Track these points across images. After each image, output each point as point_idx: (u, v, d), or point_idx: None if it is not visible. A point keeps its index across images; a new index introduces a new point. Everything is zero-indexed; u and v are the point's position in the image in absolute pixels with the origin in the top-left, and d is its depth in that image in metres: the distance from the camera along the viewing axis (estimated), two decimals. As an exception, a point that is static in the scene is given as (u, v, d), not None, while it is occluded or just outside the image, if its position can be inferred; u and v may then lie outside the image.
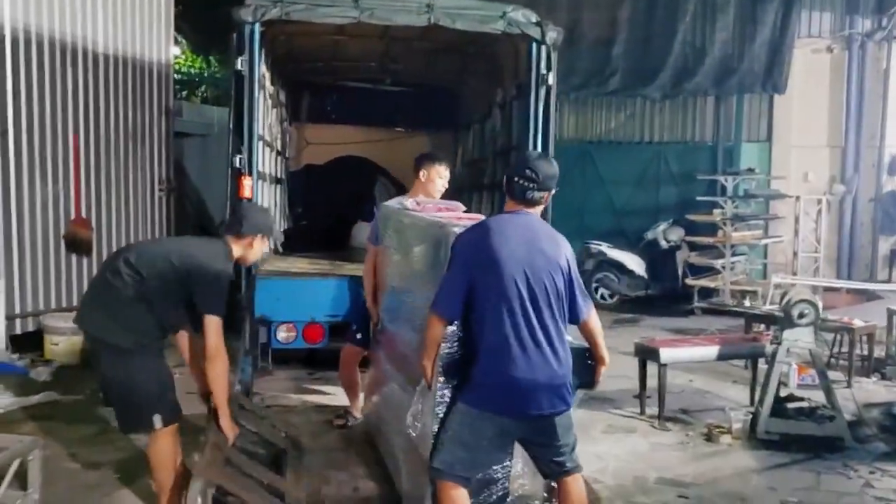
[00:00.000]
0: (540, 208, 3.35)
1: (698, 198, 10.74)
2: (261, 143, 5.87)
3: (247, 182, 5.21)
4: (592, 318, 3.41)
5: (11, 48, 6.55)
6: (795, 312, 5.24)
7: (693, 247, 11.05)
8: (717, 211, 10.47)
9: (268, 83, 6.49)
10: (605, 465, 4.89)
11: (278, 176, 7.81)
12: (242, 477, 3.66)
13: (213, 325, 3.61)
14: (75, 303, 7.19)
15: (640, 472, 4.81)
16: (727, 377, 7.01)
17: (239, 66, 5.35)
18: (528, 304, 3.13)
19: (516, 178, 3.26)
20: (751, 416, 5.50)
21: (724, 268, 10.42)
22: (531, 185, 3.24)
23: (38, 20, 6.81)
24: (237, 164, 5.38)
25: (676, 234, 11.07)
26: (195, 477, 3.26)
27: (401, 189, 9.06)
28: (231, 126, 5.47)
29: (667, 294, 11.08)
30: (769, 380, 5.43)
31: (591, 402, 6.34)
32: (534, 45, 5.72)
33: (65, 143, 7.18)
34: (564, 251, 3.32)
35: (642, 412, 5.96)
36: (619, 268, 11.08)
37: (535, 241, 3.23)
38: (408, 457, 3.86)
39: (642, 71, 11.33)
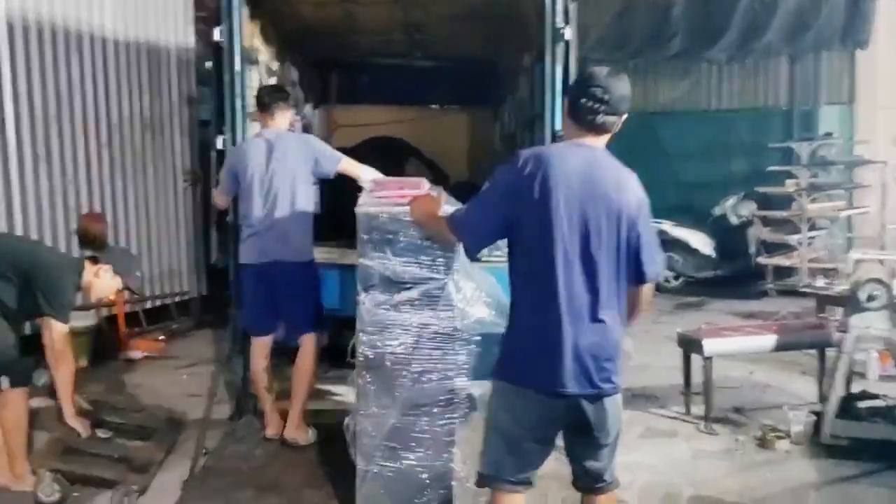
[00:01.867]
0: (606, 138, 2.72)
1: (769, 168, 9.72)
2: (255, 124, 5.36)
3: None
4: (648, 288, 2.80)
5: (8, 34, 6.24)
6: (864, 294, 4.41)
7: (766, 222, 10.07)
8: (790, 182, 9.44)
9: (267, 59, 5.99)
10: (633, 479, 4.19)
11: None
12: (86, 457, 4.05)
13: (58, 331, 3.97)
14: (82, 301, 6.93)
15: (674, 487, 4.11)
16: (795, 368, 6.16)
17: (217, 37, 4.87)
18: (578, 255, 2.56)
19: (582, 100, 2.62)
20: (814, 416, 4.70)
21: (800, 244, 9.42)
22: (600, 107, 2.61)
23: (37, 4, 6.48)
24: (220, 146, 4.89)
25: (747, 209, 10.12)
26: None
27: (434, 169, 8.49)
28: (213, 104, 4.98)
29: (738, 274, 10.14)
30: (836, 373, 4.62)
31: (631, 399, 5.62)
32: (546, -3, 5.01)
33: (73, 135, 6.86)
34: (636, 195, 2.71)
35: (687, 412, 5.23)
36: (684, 247, 10.20)
37: (600, 180, 2.61)
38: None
39: (705, 31, 10.37)
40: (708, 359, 4.93)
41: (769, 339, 5.03)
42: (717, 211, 10.35)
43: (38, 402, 5.46)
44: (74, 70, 6.88)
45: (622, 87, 2.65)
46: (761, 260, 9.73)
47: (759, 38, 10.25)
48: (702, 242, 10.17)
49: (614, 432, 2.77)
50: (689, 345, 5.10)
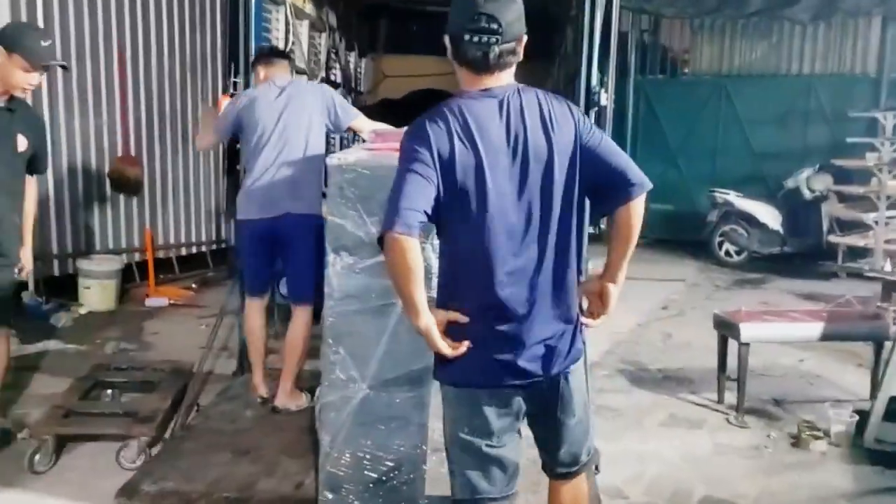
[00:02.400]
0: (511, 72, 2.17)
1: (849, 139, 8.96)
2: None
3: (225, 102, 4.42)
4: (638, 203, 2.21)
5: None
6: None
7: (842, 198, 9.34)
8: (871, 155, 8.67)
9: (298, 0, 5.69)
10: (641, 472, 3.85)
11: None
12: (88, 418, 3.93)
13: None
14: (113, 245, 6.90)
15: (685, 485, 3.73)
16: (852, 359, 5.62)
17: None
18: (519, 221, 2.12)
19: (466, 37, 2.07)
20: (858, 416, 4.22)
21: (876, 223, 8.67)
22: (492, 39, 2.06)
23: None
24: (232, 90, 4.63)
25: (822, 183, 9.37)
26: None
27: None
28: (227, 45, 4.72)
29: (807, 252, 9.46)
30: (887, 370, 4.13)
31: (661, 382, 5.27)
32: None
33: (108, 73, 6.74)
34: (569, 123, 2.15)
35: (720, 400, 4.81)
36: (749, 220, 9.58)
37: (527, 126, 2.10)
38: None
39: (787, -13, 9.55)
40: (744, 344, 4.48)
41: (814, 328, 4.54)
42: (789, 183, 9.63)
43: (54, 345, 5.48)
44: (111, 4, 6.73)
45: (509, 6, 2.09)
46: (833, 238, 9.02)
47: (846, -4, 9.39)
48: (769, 216, 9.52)
49: (581, 407, 2.33)
50: (726, 328, 4.66)
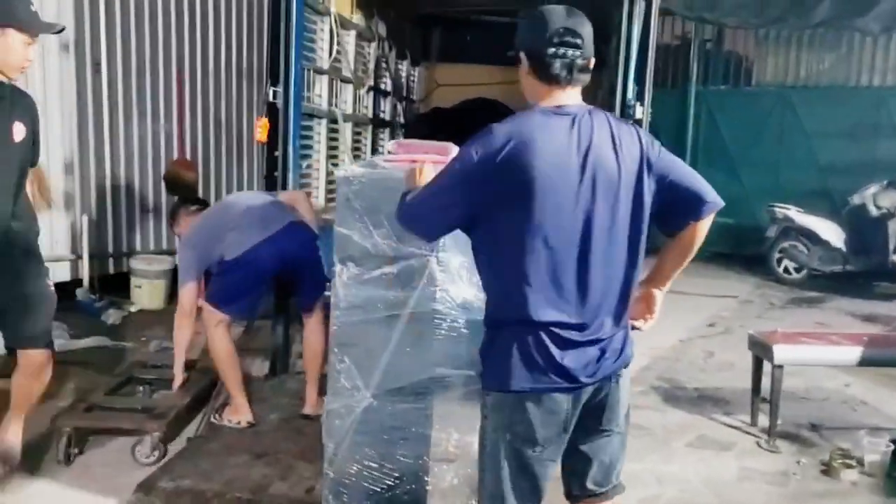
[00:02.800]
0: (580, 91, 2.19)
1: (918, 155, 8.62)
2: (323, 78, 5.21)
3: (260, 123, 4.54)
4: (705, 224, 2.27)
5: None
6: (963, 314, 3.71)
7: (910, 215, 8.98)
8: (940, 172, 8.33)
9: (345, 10, 5.79)
10: (658, 494, 3.78)
11: (385, 119, 7.15)
12: (108, 412, 4.04)
13: None
14: (167, 246, 7.13)
15: (701, 509, 3.66)
16: (902, 386, 5.41)
17: (276, -11, 4.71)
18: (583, 238, 2.11)
19: (550, 50, 2.10)
20: (894, 445, 4.06)
21: (945, 243, 8.32)
22: (573, 53, 2.11)
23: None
24: (272, 98, 4.76)
25: (890, 200, 9.03)
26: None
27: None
28: (269, 54, 4.84)
29: (871, 271, 9.13)
30: (926, 401, 3.97)
31: (696, 401, 5.16)
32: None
33: (167, 80, 7.01)
34: (636, 143, 2.17)
35: (753, 423, 4.68)
36: (810, 236, 9.29)
37: (597, 145, 2.10)
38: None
39: (857, -2, 9.23)
40: (778, 367, 4.36)
41: (853, 352, 4.37)
42: (855, 199, 9.29)
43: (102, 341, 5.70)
44: (171, 17, 6.99)
45: (586, 23, 2.16)
46: (898, 257, 8.69)
47: (923, 5, 9.01)
48: (831, 232, 9.22)
49: (624, 419, 2.34)
50: (760, 349, 4.54)
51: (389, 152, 3.65)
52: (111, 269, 6.75)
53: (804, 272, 9.36)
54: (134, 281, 6.56)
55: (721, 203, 2.22)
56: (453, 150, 3.41)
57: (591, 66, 2.19)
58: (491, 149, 2.08)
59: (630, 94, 4.59)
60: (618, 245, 2.16)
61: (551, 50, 2.11)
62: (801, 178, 10.32)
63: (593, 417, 2.25)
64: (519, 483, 2.22)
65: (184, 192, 7.20)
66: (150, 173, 6.96)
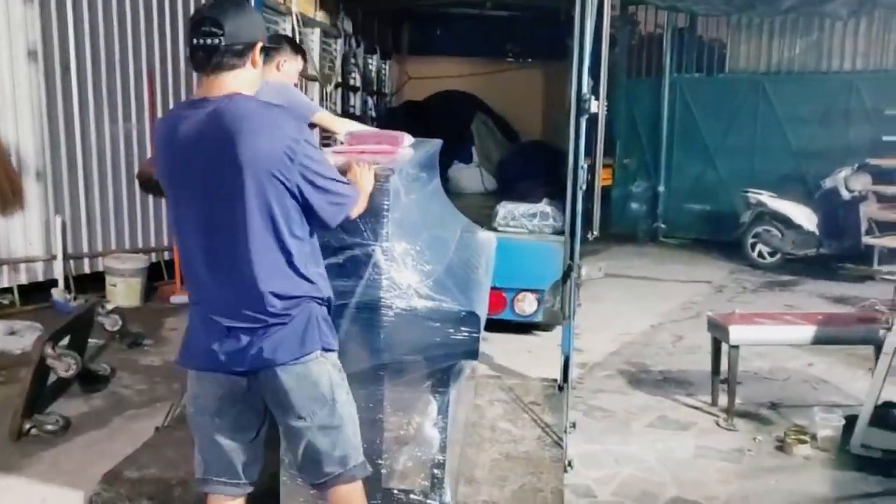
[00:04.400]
0: (235, 77, 2.16)
1: (885, 138, 8.71)
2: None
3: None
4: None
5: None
6: (906, 289, 3.82)
7: (881, 198, 9.09)
8: (906, 154, 8.45)
9: (308, 9, 5.85)
10: (615, 472, 3.89)
11: (356, 114, 7.22)
12: None
13: None
14: (142, 244, 7.19)
15: (656, 486, 3.76)
16: (863, 364, 5.49)
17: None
18: (199, 227, 2.21)
19: (193, 40, 2.15)
20: (845, 421, 4.17)
21: (914, 224, 8.44)
22: (211, 41, 2.10)
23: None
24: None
25: (861, 183, 9.09)
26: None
27: (503, 125, 8.16)
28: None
29: (844, 254, 9.21)
30: (875, 375, 4.07)
31: (661, 383, 5.26)
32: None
33: (138, 79, 7.05)
34: (270, 141, 2.11)
35: (713, 403, 4.79)
36: (784, 221, 9.38)
37: (213, 138, 2.10)
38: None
39: (826, -18, 9.31)
40: (734, 347, 4.46)
41: (806, 331, 4.47)
42: (827, 183, 9.37)
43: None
44: (140, 17, 7.03)
45: (236, 12, 2.15)
46: (870, 240, 8.80)
47: (887, -10, 9.11)
48: (804, 217, 9.31)
49: (312, 410, 2.31)
50: (717, 331, 4.64)
51: (341, 143, 3.73)
52: (87, 269, 6.80)
53: (778, 256, 9.46)
54: (109, 279, 6.62)
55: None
56: (406, 138, 3.50)
57: (245, 50, 2.16)
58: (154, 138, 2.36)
59: (585, 88, 4.64)
60: (238, 240, 2.17)
61: (191, 39, 2.16)
62: (775, 163, 10.40)
63: (273, 407, 2.35)
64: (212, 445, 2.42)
65: (157, 190, 7.27)
66: (123, 172, 7.01)
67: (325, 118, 4.28)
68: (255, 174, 2.11)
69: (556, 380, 4.84)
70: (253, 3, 4.71)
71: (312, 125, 4.24)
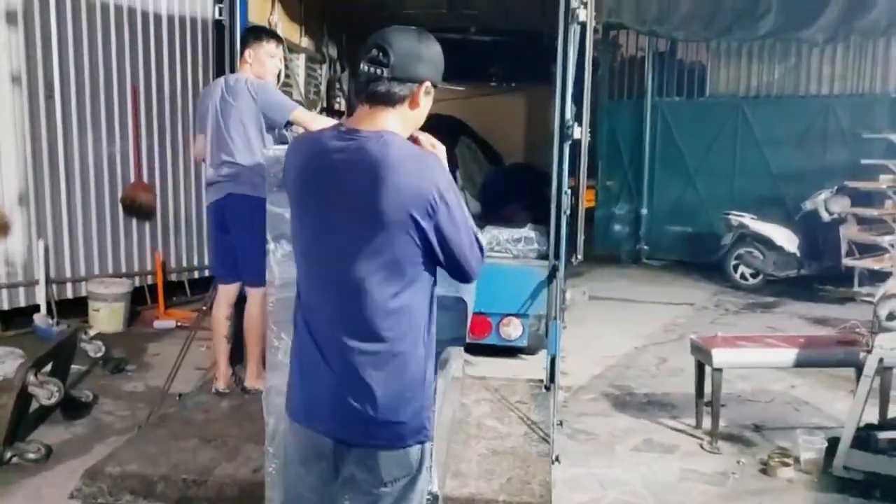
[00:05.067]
0: (394, 113, 1.99)
1: (863, 161, 8.85)
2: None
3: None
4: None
5: (57, 7, 6.46)
6: (884, 311, 3.88)
7: (860, 220, 9.21)
8: (884, 177, 8.57)
9: (293, 36, 5.89)
10: (600, 496, 3.89)
11: (338, 109, 7.25)
12: None
13: None
14: (125, 268, 7.16)
15: (640, 510, 3.77)
16: (845, 386, 5.54)
17: (218, 15, 4.80)
18: (314, 270, 2.06)
19: (362, 65, 1.99)
20: (828, 443, 4.21)
21: (892, 246, 8.54)
22: (377, 71, 1.95)
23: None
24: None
25: (840, 205, 9.23)
26: None
27: (487, 149, 8.21)
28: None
29: (825, 275, 9.34)
30: (856, 397, 4.11)
31: (645, 406, 5.28)
32: (559, -30, 4.64)
33: (121, 103, 7.05)
34: (414, 188, 1.91)
35: (697, 426, 4.81)
36: (765, 242, 9.49)
37: (355, 172, 1.93)
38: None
39: (801, 9, 9.48)
40: (717, 370, 4.50)
41: (788, 354, 4.52)
42: (807, 205, 9.51)
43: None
44: (125, 40, 7.04)
45: (411, 43, 1.99)
46: (848, 262, 8.90)
47: (862, 16, 9.29)
48: (785, 238, 9.42)
49: (395, 478, 2.07)
50: (700, 354, 4.68)
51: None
52: (70, 293, 6.76)
53: (760, 278, 9.56)
54: (92, 304, 6.57)
55: None
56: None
57: (409, 87, 2.00)
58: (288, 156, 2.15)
59: (568, 114, 4.72)
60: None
61: (360, 61, 2.02)
62: (755, 185, 10.53)
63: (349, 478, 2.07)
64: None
65: (140, 214, 7.28)
66: (106, 195, 6.98)
67: (303, 116, 4.35)
68: (390, 224, 1.92)
69: (542, 380, 4.87)
70: (238, 31, 4.78)
71: (290, 123, 4.28)
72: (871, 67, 10.13)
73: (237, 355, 4.84)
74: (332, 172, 1.98)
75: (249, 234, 4.19)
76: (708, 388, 4.68)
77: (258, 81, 4.35)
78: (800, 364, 4.56)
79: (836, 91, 10.30)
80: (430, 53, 2.04)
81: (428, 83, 2.03)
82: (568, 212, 4.80)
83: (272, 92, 4.37)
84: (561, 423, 4.15)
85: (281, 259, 3.07)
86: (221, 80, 4.48)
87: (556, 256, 4.81)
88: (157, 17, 7.33)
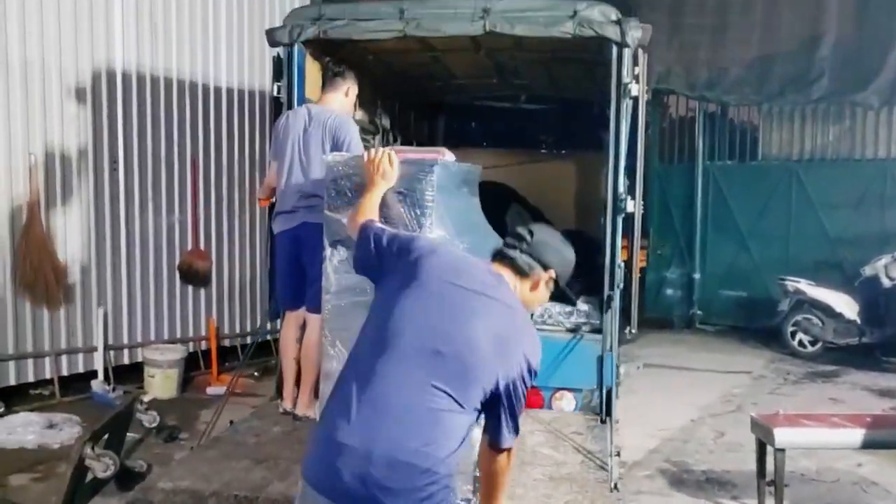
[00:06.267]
0: (523, 284, 2.37)
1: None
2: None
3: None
4: (504, 457, 2.38)
5: (123, 85, 6.75)
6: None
7: (923, 286, 8.94)
8: (947, 243, 8.34)
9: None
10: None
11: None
12: None
13: None
14: (180, 334, 7.28)
15: None
16: (919, 464, 5.33)
17: (276, 93, 4.94)
18: (393, 355, 2.16)
19: (504, 240, 2.47)
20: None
21: (958, 314, 8.26)
22: (516, 245, 2.40)
23: (154, 59, 6.98)
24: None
25: (901, 271, 9.01)
26: None
27: (538, 216, 8.22)
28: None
29: (888, 343, 9.04)
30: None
31: (703, 485, 5.13)
32: (613, 47, 4.68)
33: (181, 173, 7.27)
34: (519, 359, 2.22)
35: (759, 507, 4.63)
36: (824, 309, 9.25)
37: (479, 314, 2.21)
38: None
39: (855, 73, 9.42)
40: (780, 450, 4.35)
41: (855, 435, 4.35)
42: (867, 271, 9.28)
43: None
44: (187, 114, 7.31)
45: (555, 240, 2.46)
46: (911, 329, 8.62)
47: (919, 79, 9.18)
48: (844, 305, 9.18)
49: None
50: (762, 432, 4.52)
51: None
52: (126, 359, 6.89)
53: (819, 345, 9.29)
54: (147, 371, 6.68)
55: None
56: (447, 152, 3.52)
57: (537, 268, 2.38)
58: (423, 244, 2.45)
59: (621, 188, 4.71)
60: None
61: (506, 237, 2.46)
62: (811, 249, 10.32)
63: None
64: None
65: (196, 281, 7.42)
66: (164, 262, 7.15)
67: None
68: (495, 376, 2.17)
69: (598, 414, 4.78)
70: (295, 103, 4.90)
71: None
72: (929, 130, 9.95)
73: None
74: (468, 300, 2.23)
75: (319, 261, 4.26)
76: (770, 467, 4.53)
77: (342, 115, 4.47)
78: (867, 446, 4.38)
79: (894, 154, 10.11)
80: (566, 255, 2.48)
81: (552, 274, 2.40)
82: (621, 285, 4.76)
83: (352, 130, 4.45)
84: (619, 454, 4.08)
85: (337, 265, 3.09)
86: (304, 109, 4.54)
87: (610, 331, 4.76)
88: (218, 91, 7.59)
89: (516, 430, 2.30)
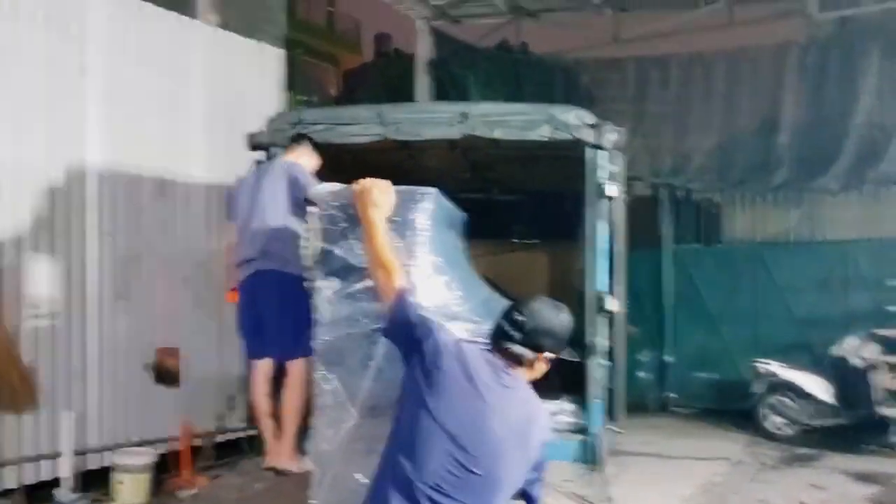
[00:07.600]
0: (523, 373, 2.52)
1: (889, 307, 8.82)
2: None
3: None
4: None
5: (98, 181, 6.71)
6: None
7: (892, 367, 9.05)
8: (915, 326, 8.52)
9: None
10: None
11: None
12: None
13: None
14: (151, 435, 7.06)
15: None
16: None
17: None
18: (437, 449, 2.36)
19: (499, 323, 2.52)
20: None
21: (929, 395, 8.37)
22: (511, 335, 2.46)
23: (128, 155, 6.97)
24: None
25: (870, 351, 9.12)
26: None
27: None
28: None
29: (862, 424, 9.09)
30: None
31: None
32: (587, 150, 4.81)
33: (155, 272, 7.18)
34: (536, 442, 2.52)
35: None
36: (797, 391, 9.31)
37: (499, 414, 2.42)
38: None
39: (814, 159, 9.77)
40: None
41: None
42: (835, 351, 9.41)
43: None
44: (162, 212, 7.27)
45: (549, 319, 2.47)
46: (884, 411, 8.69)
47: (875, 165, 9.59)
48: (817, 386, 9.25)
49: None
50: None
51: None
52: (94, 465, 6.64)
53: (795, 428, 9.31)
54: (116, 477, 6.40)
55: None
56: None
57: (536, 353, 2.49)
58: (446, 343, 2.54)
59: (598, 285, 4.79)
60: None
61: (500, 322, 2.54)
62: (780, 330, 10.46)
63: None
64: None
65: (167, 380, 7.24)
66: (133, 363, 6.97)
67: (319, 191, 4.41)
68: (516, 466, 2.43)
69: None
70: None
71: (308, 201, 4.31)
72: (889, 212, 10.26)
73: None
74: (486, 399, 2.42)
75: (289, 312, 4.19)
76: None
77: (292, 161, 4.52)
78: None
79: (855, 236, 10.40)
80: (561, 335, 2.53)
81: (546, 359, 2.54)
82: (606, 384, 4.77)
83: (303, 172, 4.52)
84: (610, 500, 4.03)
85: (331, 296, 3.03)
86: (255, 167, 4.75)
87: (595, 430, 4.75)
88: (186, 189, 7.56)
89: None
